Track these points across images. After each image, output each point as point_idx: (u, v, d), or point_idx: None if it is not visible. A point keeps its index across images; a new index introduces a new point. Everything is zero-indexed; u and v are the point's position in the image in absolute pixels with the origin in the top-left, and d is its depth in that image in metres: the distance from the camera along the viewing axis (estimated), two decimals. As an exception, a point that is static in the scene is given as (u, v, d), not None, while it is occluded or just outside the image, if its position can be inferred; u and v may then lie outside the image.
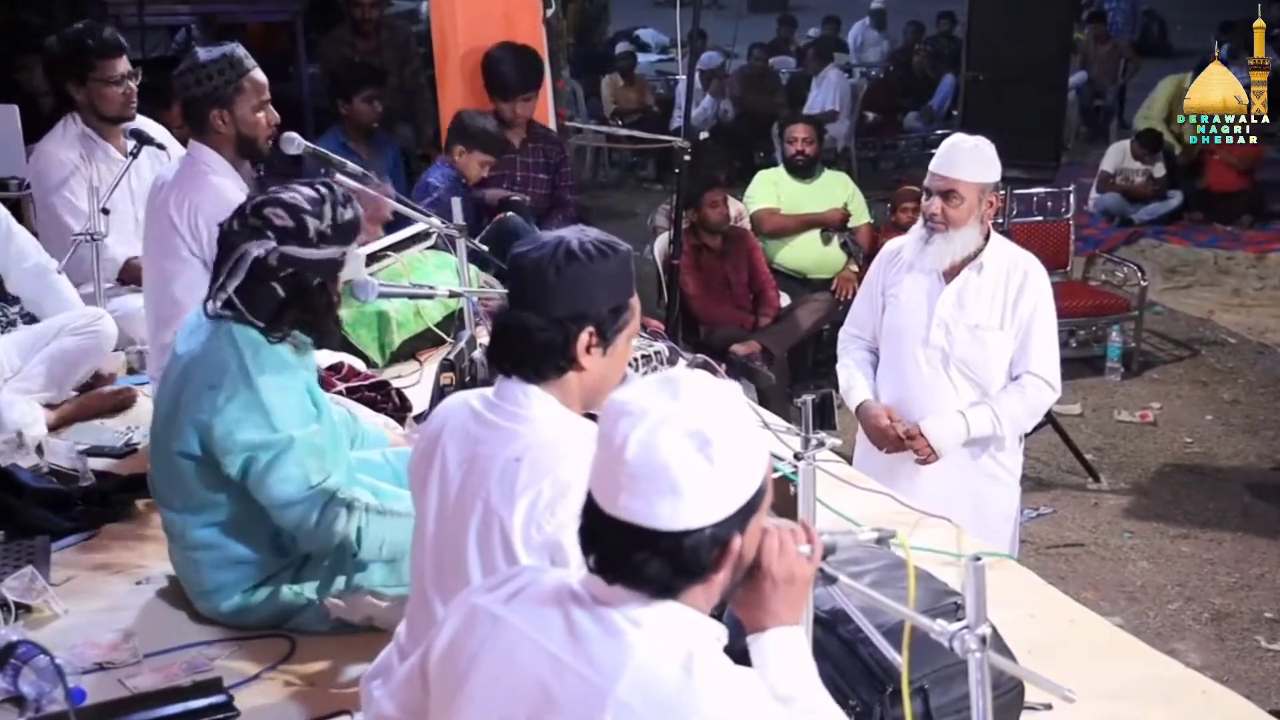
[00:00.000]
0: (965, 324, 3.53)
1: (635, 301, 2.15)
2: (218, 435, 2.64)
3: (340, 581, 2.76)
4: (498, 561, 2.00)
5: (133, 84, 4.44)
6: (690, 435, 1.51)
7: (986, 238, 3.54)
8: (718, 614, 1.66)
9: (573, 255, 2.03)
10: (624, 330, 2.13)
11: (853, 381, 3.73)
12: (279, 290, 2.66)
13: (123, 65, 4.42)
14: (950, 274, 3.56)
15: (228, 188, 3.47)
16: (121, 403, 4.07)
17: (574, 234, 2.08)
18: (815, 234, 6.74)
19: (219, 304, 2.67)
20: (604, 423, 1.58)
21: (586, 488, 1.60)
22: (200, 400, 2.66)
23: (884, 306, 3.71)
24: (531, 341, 2.06)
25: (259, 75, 3.54)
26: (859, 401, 3.70)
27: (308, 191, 2.71)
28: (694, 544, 1.53)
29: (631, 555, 1.54)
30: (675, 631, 1.55)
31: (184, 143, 4.14)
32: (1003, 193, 3.81)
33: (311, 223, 2.66)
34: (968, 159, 3.48)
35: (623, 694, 1.49)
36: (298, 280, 2.67)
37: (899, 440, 3.60)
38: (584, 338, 2.06)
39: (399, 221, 4.41)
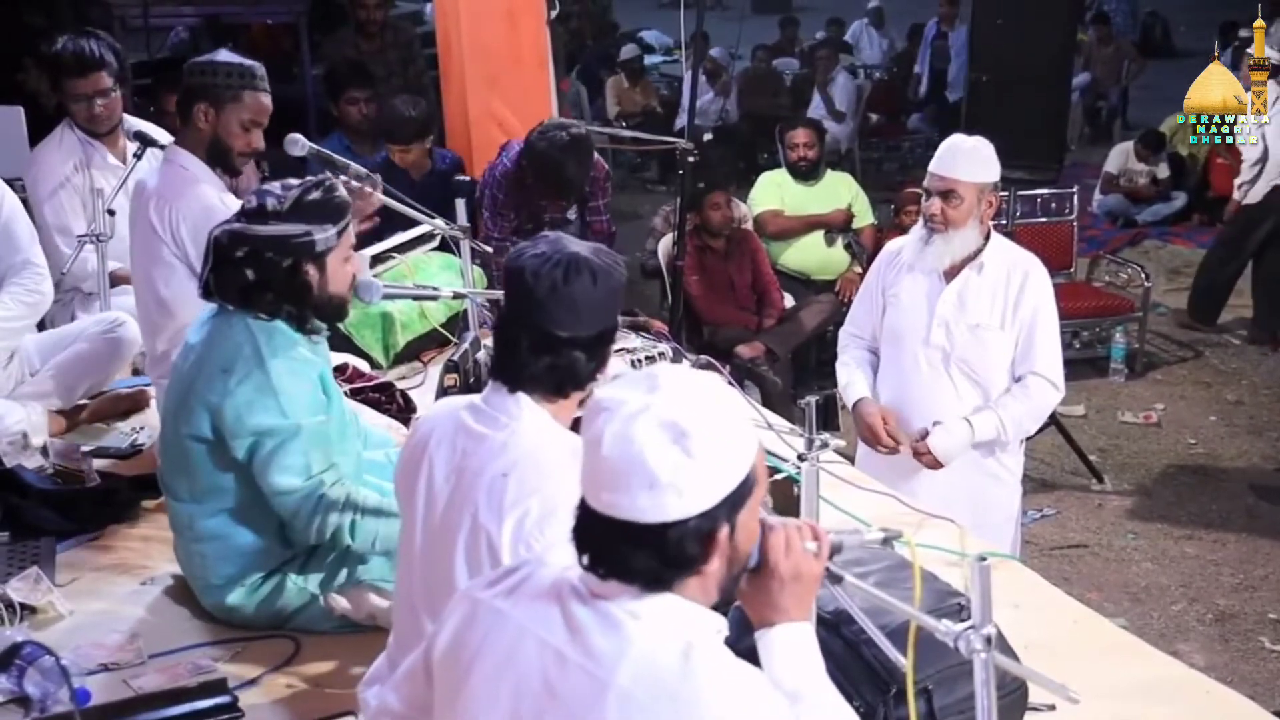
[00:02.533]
0: (966, 324, 3.53)
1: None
2: (228, 418, 2.66)
3: (342, 575, 2.77)
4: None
5: (102, 101, 4.35)
6: (664, 427, 1.52)
7: (986, 237, 3.54)
8: (724, 612, 1.66)
9: (596, 271, 2.06)
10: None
11: (851, 378, 3.73)
12: (247, 272, 2.68)
13: (95, 83, 4.33)
14: (950, 274, 3.56)
15: (207, 194, 3.43)
16: (134, 405, 4.05)
17: (587, 250, 2.10)
18: (819, 235, 6.72)
19: (199, 289, 2.74)
20: (585, 420, 1.60)
21: (577, 499, 1.61)
22: (213, 383, 2.69)
23: (884, 307, 3.71)
24: (566, 366, 2.09)
25: (265, 99, 3.47)
26: (856, 399, 3.70)
27: (293, 180, 2.75)
28: (678, 536, 1.53)
29: (619, 549, 1.56)
30: (674, 622, 1.56)
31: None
32: (1003, 193, 3.80)
33: (270, 201, 2.70)
34: (966, 159, 3.47)
35: (623, 683, 1.51)
36: (259, 260, 2.67)
37: (889, 440, 3.59)
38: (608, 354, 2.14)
39: (402, 222, 4.40)
